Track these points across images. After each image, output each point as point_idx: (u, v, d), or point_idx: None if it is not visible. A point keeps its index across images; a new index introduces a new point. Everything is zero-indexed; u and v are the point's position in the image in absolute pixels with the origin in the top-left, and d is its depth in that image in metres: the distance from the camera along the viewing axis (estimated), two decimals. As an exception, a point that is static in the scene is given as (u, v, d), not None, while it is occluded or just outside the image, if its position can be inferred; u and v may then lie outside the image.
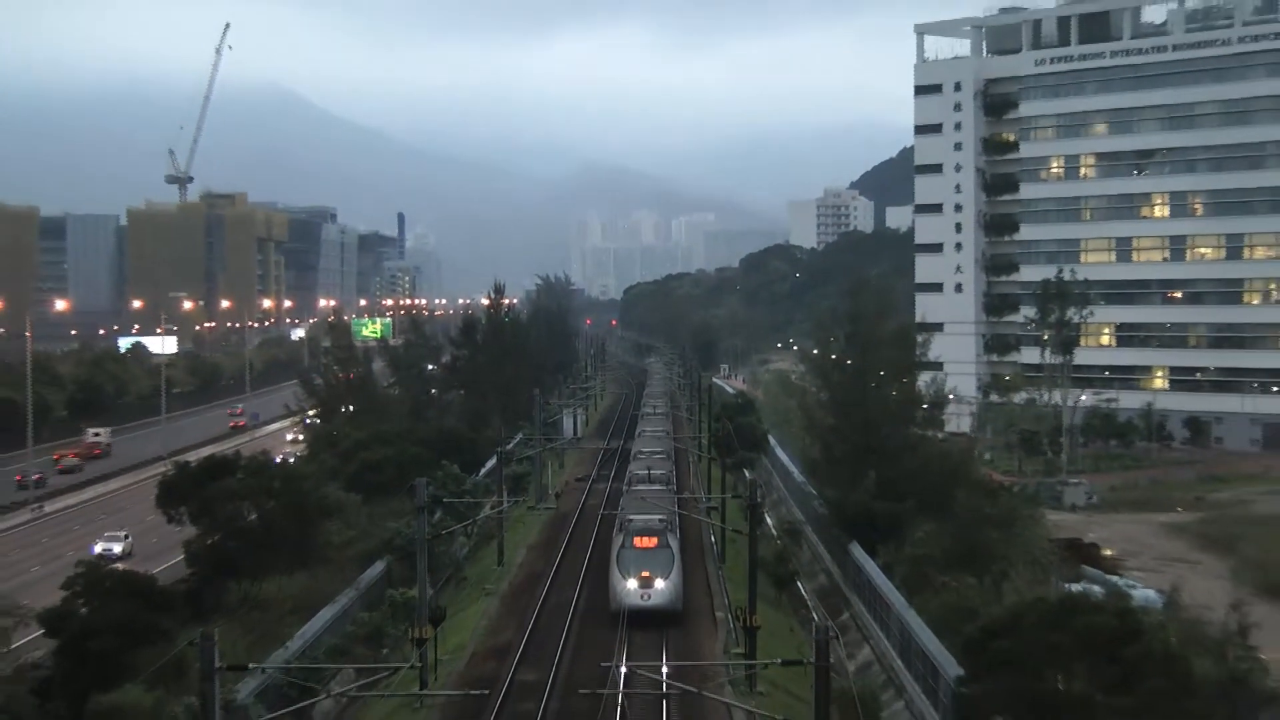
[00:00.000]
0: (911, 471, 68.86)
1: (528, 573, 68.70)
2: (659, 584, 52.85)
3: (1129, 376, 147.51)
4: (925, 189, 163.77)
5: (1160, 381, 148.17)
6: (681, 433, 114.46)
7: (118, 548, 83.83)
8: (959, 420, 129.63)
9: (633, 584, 52.54)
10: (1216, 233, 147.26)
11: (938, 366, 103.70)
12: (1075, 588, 53.05)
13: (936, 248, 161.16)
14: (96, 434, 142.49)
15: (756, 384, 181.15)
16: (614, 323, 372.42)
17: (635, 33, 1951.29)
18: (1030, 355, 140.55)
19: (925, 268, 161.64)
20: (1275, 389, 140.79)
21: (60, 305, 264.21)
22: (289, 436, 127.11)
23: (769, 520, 76.31)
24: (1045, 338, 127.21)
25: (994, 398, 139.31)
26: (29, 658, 48.96)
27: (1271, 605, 66.82)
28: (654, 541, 54.41)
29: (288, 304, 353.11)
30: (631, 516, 58.22)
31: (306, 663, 43.99)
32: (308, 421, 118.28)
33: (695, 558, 68.58)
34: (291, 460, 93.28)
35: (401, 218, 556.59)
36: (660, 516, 58.01)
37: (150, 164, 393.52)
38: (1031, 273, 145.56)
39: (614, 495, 77.90)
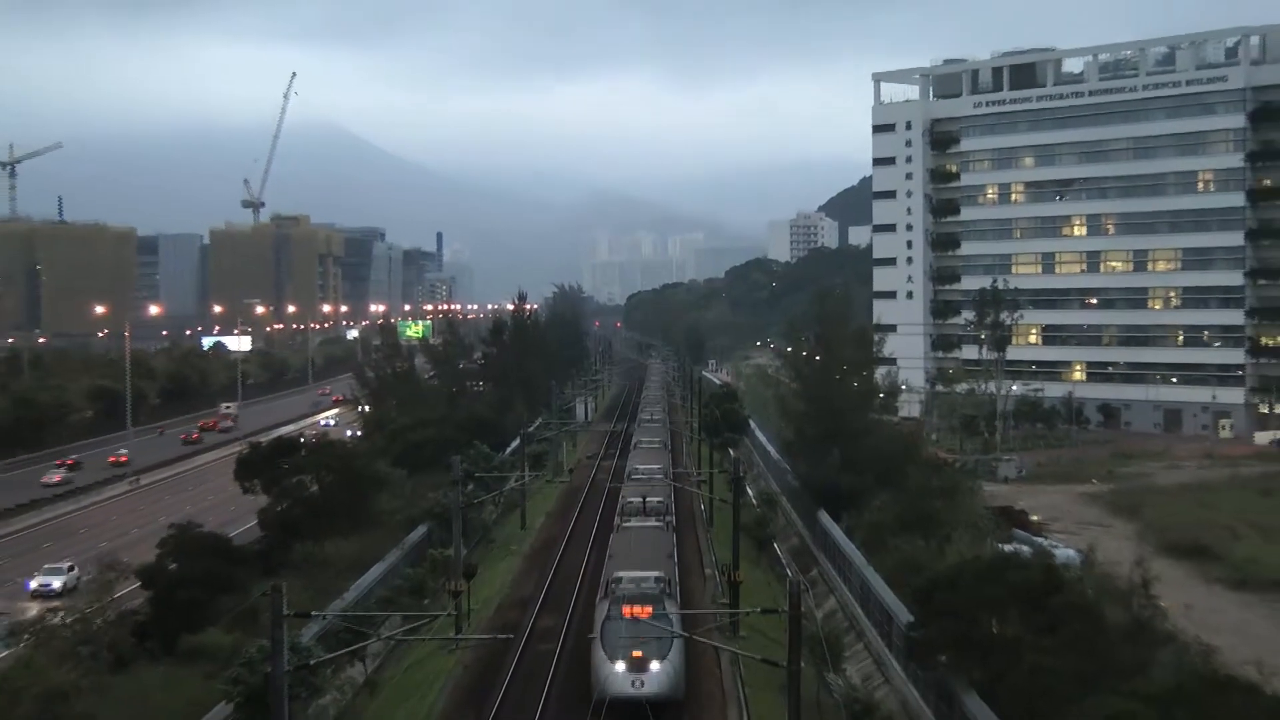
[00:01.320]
0: (870, 450, 68.62)
1: (546, 536, 68.80)
2: (655, 667, 35.39)
3: (1052, 370, 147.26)
4: (882, 212, 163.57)
5: (1079, 374, 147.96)
6: (676, 418, 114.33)
7: (57, 582, 63.90)
8: (910, 407, 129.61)
9: (620, 667, 35.20)
10: (1125, 249, 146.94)
11: (892, 362, 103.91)
12: (1007, 548, 52.89)
13: (891, 261, 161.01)
14: (228, 408, 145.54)
15: (739, 377, 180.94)
16: (619, 325, 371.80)
17: (638, 80, 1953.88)
18: (970, 352, 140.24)
19: (882, 278, 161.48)
20: (1174, 380, 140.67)
21: (153, 310, 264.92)
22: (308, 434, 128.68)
23: (750, 491, 76.25)
24: (982, 337, 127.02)
25: (939, 388, 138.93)
26: (128, 605, 49.01)
27: (1169, 561, 66.89)
28: (648, 610, 36.82)
29: (344, 309, 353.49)
30: (619, 574, 40.96)
31: (360, 611, 44.00)
32: (334, 418, 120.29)
33: (688, 527, 68.27)
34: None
35: (440, 237, 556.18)
36: (657, 574, 41.14)
37: (228, 191, 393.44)
38: (971, 282, 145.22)
39: (619, 472, 77.59)
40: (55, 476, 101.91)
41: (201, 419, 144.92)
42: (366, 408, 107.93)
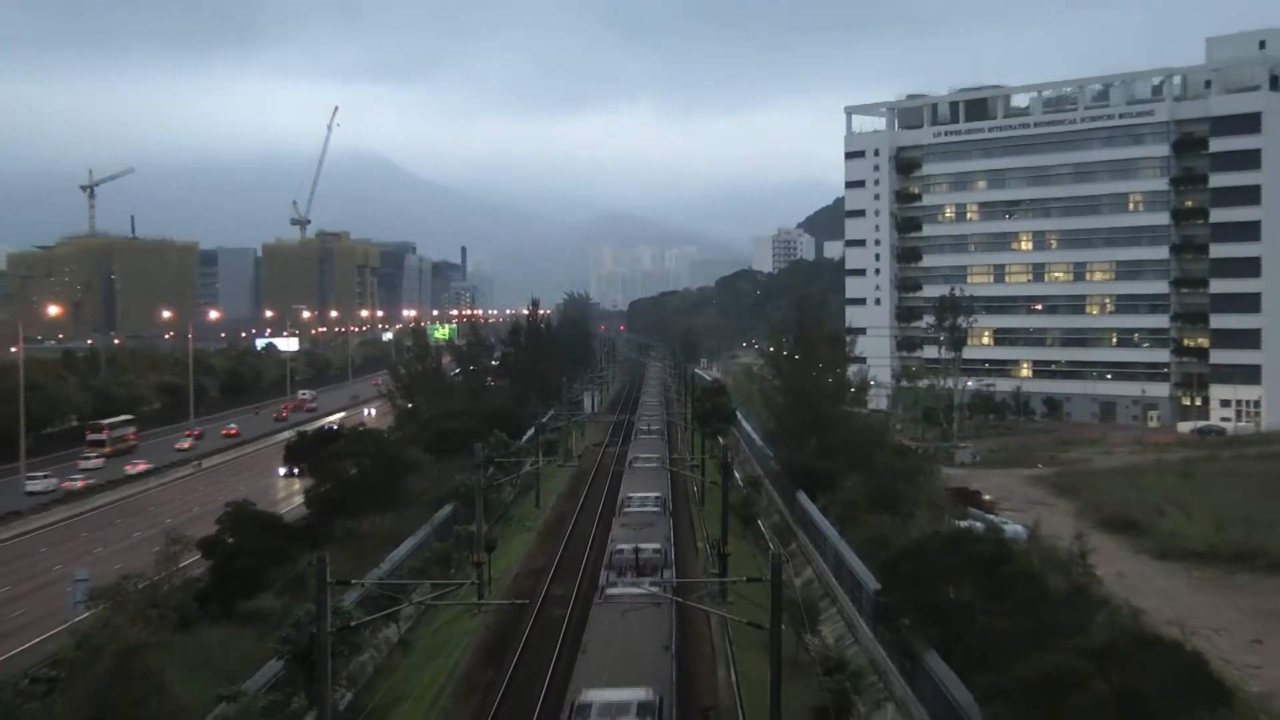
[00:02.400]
0: (843, 438, 68.69)
1: (557, 514, 68.73)
2: None
3: (1003, 367, 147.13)
4: (853, 228, 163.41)
5: (1026, 371, 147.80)
6: (672, 410, 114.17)
7: None
8: (878, 400, 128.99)
9: None
10: (1066, 261, 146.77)
11: (861, 360, 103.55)
12: (963, 524, 53.00)
13: (861, 272, 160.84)
14: (304, 394, 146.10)
15: (728, 374, 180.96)
16: (622, 328, 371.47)
17: (639, 112, 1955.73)
18: (931, 352, 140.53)
19: (853, 287, 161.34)
20: (1109, 376, 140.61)
21: (213, 315, 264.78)
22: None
23: (737, 474, 76.26)
24: (941, 339, 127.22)
25: (904, 383, 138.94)
26: (192, 574, 49.09)
27: (1104, 535, 66.97)
28: None
29: (379, 314, 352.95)
30: (590, 697, 23.57)
31: (394, 579, 44.09)
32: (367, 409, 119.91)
33: (684, 508, 67.98)
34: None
35: (464, 250, 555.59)
36: (643, 697, 23.47)
37: (279, 210, 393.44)
38: (932, 290, 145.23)
39: (622, 458, 77.16)
40: (185, 444, 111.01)
41: (279, 405, 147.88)
42: (382, 407, 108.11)
